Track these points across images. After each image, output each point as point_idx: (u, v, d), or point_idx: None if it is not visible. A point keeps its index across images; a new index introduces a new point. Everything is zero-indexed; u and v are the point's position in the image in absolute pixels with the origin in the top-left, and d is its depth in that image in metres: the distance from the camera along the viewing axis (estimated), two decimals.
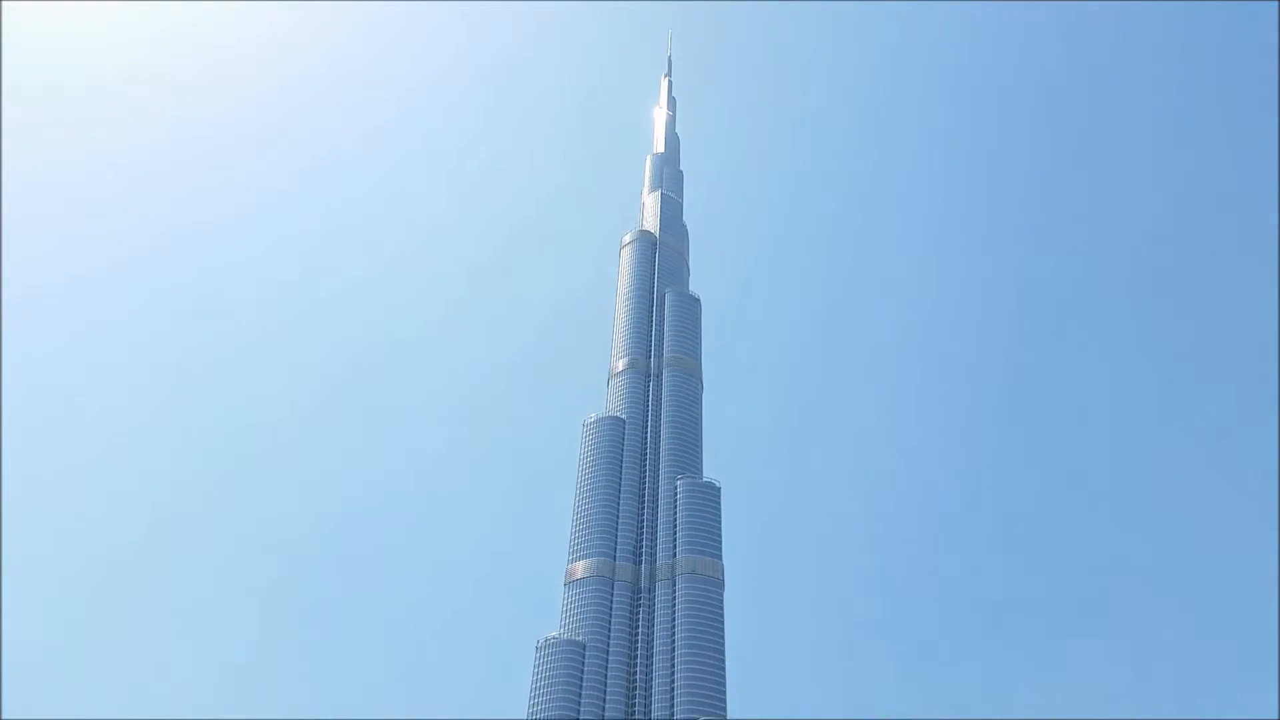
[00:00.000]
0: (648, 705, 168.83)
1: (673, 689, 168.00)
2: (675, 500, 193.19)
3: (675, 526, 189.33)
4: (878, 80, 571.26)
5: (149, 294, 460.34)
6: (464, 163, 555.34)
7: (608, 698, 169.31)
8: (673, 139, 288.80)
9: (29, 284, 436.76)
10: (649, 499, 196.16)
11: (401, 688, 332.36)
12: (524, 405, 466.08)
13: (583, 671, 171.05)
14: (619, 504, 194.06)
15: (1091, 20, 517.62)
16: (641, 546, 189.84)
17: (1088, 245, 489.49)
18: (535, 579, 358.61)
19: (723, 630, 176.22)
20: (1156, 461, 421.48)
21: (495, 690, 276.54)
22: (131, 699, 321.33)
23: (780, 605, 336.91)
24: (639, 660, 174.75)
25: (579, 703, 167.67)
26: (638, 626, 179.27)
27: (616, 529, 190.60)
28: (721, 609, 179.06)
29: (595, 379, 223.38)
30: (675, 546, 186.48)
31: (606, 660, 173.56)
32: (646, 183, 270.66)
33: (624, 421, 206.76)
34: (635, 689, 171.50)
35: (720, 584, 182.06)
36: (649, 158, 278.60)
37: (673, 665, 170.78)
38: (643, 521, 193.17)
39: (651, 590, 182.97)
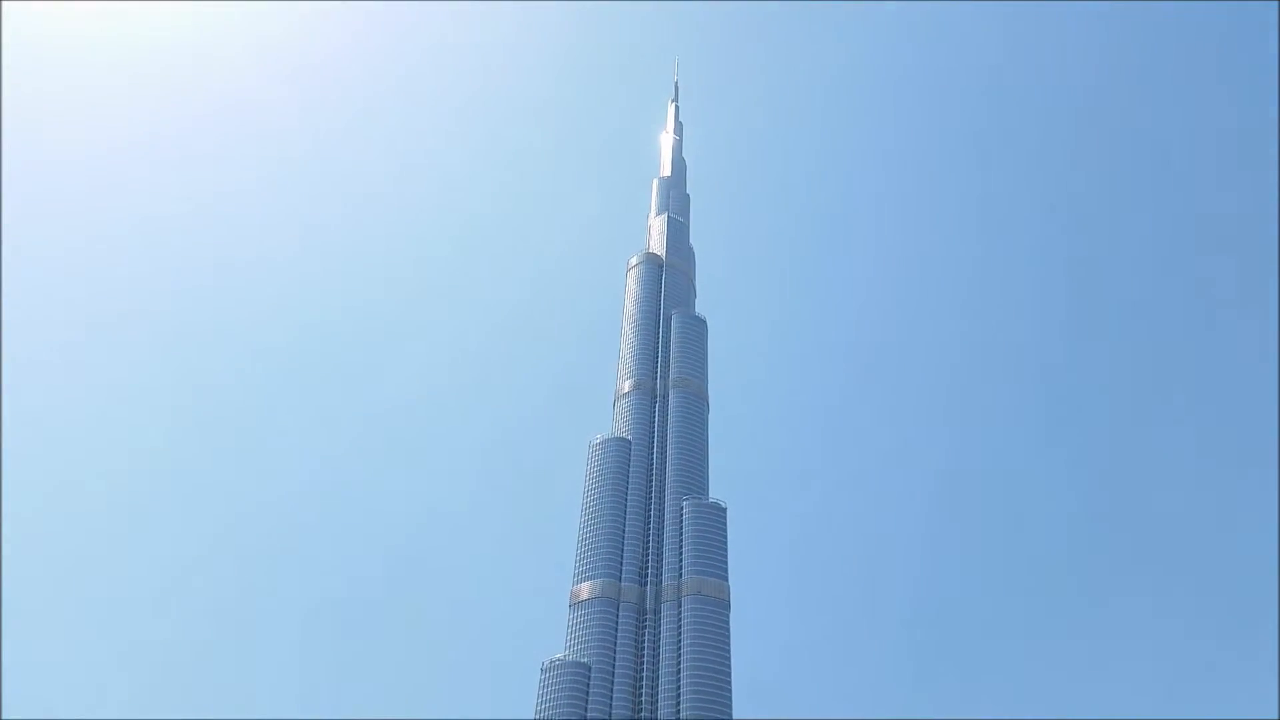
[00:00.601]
0: None
1: (678, 711, 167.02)
2: (681, 521, 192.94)
3: (681, 548, 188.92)
4: (884, 104, 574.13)
5: (149, 291, 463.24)
6: (472, 190, 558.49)
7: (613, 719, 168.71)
8: (679, 163, 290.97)
9: (29, 283, 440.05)
10: (654, 520, 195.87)
11: (406, 708, 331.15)
12: (531, 426, 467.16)
13: (588, 693, 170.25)
14: (625, 525, 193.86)
15: (1115, 22, 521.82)
16: (647, 568, 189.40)
17: (1092, 251, 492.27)
18: (540, 600, 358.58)
19: (729, 652, 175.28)
20: (1157, 461, 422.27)
21: (500, 711, 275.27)
22: (132, 699, 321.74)
23: (786, 627, 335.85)
24: (644, 682, 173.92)
25: None
26: (643, 648, 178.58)
27: (622, 550, 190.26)
28: (727, 630, 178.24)
29: (601, 400, 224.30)
30: (681, 568, 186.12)
31: (612, 682, 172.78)
32: (653, 206, 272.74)
33: (630, 443, 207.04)
34: (640, 711, 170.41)
35: (726, 605, 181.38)
36: (655, 181, 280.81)
37: (678, 687, 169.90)
38: (648, 543, 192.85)
39: (657, 612, 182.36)
